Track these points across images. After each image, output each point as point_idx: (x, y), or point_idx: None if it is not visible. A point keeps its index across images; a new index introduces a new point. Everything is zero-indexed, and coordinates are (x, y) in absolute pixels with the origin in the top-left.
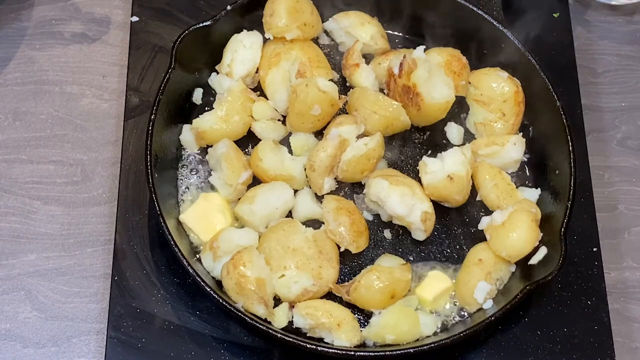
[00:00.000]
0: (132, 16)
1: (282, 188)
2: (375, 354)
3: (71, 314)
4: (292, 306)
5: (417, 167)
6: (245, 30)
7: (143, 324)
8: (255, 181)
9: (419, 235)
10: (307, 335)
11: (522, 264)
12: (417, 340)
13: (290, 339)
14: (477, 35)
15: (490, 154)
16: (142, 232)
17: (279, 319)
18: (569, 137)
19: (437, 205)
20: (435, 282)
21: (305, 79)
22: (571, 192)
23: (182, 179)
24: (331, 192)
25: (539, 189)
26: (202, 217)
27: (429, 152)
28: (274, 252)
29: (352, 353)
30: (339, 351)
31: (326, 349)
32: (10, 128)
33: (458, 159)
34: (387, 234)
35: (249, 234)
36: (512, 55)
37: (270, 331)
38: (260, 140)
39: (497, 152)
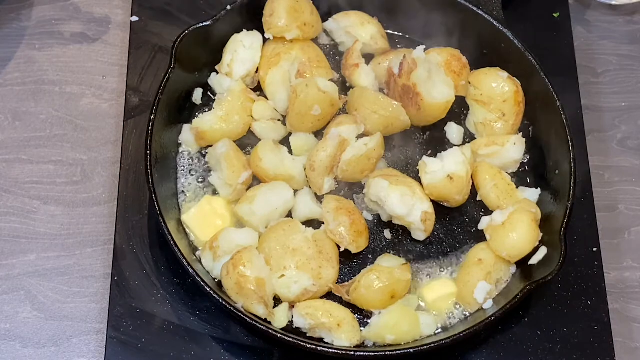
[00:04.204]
0: (132, 16)
1: (282, 188)
2: (375, 354)
3: (71, 314)
4: (292, 306)
5: (417, 167)
6: (245, 30)
7: (143, 324)
8: (255, 181)
9: (419, 235)
10: (307, 335)
11: (522, 264)
12: (417, 340)
13: (290, 339)
14: (477, 35)
15: (490, 154)
16: (142, 232)
17: (279, 319)
18: (569, 137)
19: (437, 205)
20: (441, 286)
21: (305, 79)
22: (571, 192)
23: (182, 179)
24: (331, 192)
25: (539, 189)
26: (204, 219)
27: (429, 152)
28: (274, 252)
29: (352, 353)
30: (339, 351)
31: (326, 349)
32: (10, 128)
33: (458, 159)
34: (387, 234)
35: (249, 234)
36: (512, 55)
37: (270, 331)
38: (260, 140)
39: (497, 152)
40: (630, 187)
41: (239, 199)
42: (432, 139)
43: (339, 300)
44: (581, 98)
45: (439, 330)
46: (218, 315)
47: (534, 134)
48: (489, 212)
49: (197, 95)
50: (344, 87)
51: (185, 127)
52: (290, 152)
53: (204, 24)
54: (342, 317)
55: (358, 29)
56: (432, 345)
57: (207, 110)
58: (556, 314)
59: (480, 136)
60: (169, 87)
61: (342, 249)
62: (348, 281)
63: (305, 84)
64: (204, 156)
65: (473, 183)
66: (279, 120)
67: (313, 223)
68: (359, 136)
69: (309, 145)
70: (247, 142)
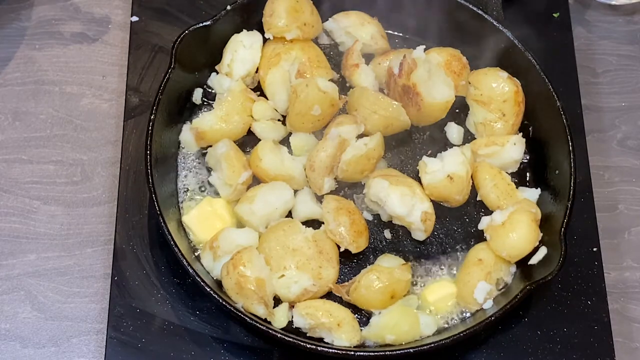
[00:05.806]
0: (132, 16)
1: (282, 188)
2: (375, 354)
3: (71, 314)
4: (292, 306)
5: (417, 167)
6: (245, 30)
7: (143, 324)
8: (255, 181)
9: (419, 235)
10: (307, 335)
11: (522, 264)
12: (417, 340)
13: (290, 339)
14: (477, 35)
15: (490, 154)
16: (142, 232)
17: (279, 319)
18: (569, 137)
19: (437, 205)
20: (441, 286)
21: (305, 79)
22: (571, 192)
23: (182, 179)
24: (331, 192)
25: (539, 189)
26: (205, 220)
27: (429, 152)
28: (274, 252)
29: (352, 353)
30: (339, 351)
31: (326, 349)
32: (10, 128)
33: (458, 159)
34: (387, 234)
35: (249, 234)
36: (512, 55)
37: (270, 331)
38: (260, 140)
39: (497, 152)
40: (630, 187)
41: (239, 199)
42: (432, 139)
43: (339, 300)
44: (581, 98)
45: (439, 330)
46: (218, 315)
47: (534, 134)
48: (489, 212)
49: (197, 95)
50: (344, 87)
51: (185, 127)
52: (290, 152)
53: (204, 24)
54: (342, 317)
55: (358, 29)
56: (432, 345)
57: (207, 110)
58: (556, 314)
59: (480, 136)
60: (169, 87)
61: (342, 249)
62: (348, 281)
63: (305, 84)
64: (204, 156)
65: (473, 183)
66: (279, 120)
67: (313, 223)
68: (359, 136)
69: (309, 145)
70: (247, 142)
